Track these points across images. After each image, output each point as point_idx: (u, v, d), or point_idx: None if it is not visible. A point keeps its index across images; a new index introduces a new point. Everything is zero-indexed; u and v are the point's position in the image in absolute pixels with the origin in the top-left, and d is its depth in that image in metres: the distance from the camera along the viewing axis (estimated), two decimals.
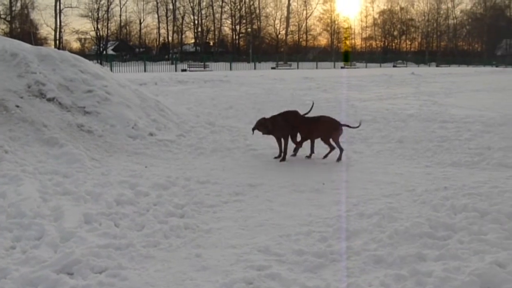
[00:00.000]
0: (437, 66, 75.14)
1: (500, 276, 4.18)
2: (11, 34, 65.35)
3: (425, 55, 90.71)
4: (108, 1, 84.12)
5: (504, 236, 5.15)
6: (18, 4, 75.79)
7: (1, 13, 73.01)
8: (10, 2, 72.78)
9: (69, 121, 9.99)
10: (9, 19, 73.84)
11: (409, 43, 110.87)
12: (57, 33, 75.00)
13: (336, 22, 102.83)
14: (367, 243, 5.14)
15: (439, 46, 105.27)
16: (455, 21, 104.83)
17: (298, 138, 9.78)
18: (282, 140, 9.52)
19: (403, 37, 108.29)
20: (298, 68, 58.66)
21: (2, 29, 72.92)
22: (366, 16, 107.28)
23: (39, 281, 4.27)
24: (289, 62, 65.93)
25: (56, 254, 4.82)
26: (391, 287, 4.21)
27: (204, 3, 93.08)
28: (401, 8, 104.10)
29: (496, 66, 74.57)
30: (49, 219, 5.75)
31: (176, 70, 47.59)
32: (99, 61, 50.82)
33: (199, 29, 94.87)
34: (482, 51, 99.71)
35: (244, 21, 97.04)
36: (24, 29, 75.05)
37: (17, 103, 9.86)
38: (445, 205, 6.20)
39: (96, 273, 4.48)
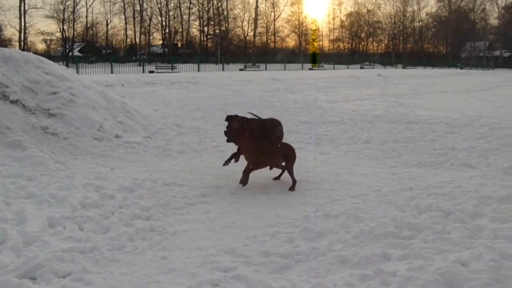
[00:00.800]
0: (403, 68, 76.17)
1: (463, 274, 4.25)
2: None
3: (391, 57, 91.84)
4: (74, 2, 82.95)
5: (467, 235, 5.23)
6: None
7: None
8: None
9: (33, 123, 9.84)
10: None
11: (376, 45, 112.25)
12: (22, 34, 73.75)
13: (304, 24, 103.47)
14: (333, 243, 5.17)
15: (405, 48, 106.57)
16: (420, 23, 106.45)
17: None
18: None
19: (370, 39, 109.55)
20: (266, 69, 58.74)
21: None
22: (333, 18, 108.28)
23: (1, 286, 4.19)
24: (257, 64, 65.95)
25: (19, 259, 4.74)
26: (356, 287, 4.24)
27: (172, 5, 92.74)
28: (368, 11, 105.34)
29: (461, 68, 75.98)
30: (12, 223, 5.65)
31: (143, 72, 47.18)
32: (65, 62, 50.34)
33: (167, 31, 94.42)
34: (447, 53, 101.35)
35: (212, 22, 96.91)
36: None
37: None
38: (410, 205, 6.28)
39: (60, 277, 4.42)
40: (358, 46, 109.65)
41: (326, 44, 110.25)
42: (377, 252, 4.85)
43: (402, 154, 9.88)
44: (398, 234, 5.33)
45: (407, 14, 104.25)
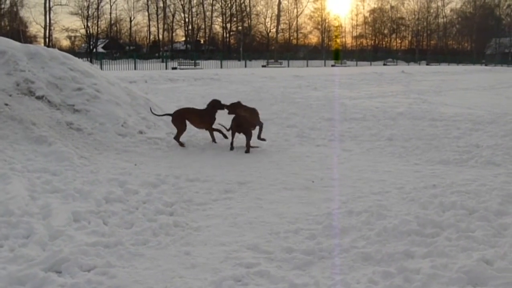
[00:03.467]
0: (427, 64, 75.42)
1: (487, 273, 4.21)
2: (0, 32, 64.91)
3: (415, 54, 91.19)
4: None
5: (492, 233, 5.18)
6: (7, 2, 75.35)
7: None
8: None
9: (58, 119, 9.96)
10: None
11: (400, 41, 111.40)
12: (47, 31, 74.71)
13: (327, 20, 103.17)
14: (356, 240, 5.16)
15: (429, 45, 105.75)
16: (445, 19, 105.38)
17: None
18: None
19: (394, 35, 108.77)
20: (288, 66, 58.59)
21: None
22: (356, 15, 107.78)
23: (27, 279, 4.25)
24: (279, 60, 65.82)
25: (45, 253, 4.80)
26: (379, 284, 4.22)
27: (195, 1, 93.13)
28: (392, 7, 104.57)
29: (485, 65, 74.99)
30: (38, 217, 5.72)
31: (166, 68, 47.45)
32: (89, 59, 50.71)
33: (190, 27, 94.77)
34: (472, 49, 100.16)
35: (234, 19, 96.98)
36: (13, 27, 74.69)
37: (5, 101, 9.82)
38: (434, 203, 6.22)
39: (85, 271, 4.46)
40: (381, 42, 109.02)
41: (349, 40, 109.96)
42: (400, 250, 4.82)
43: (425, 152, 9.80)
44: (421, 231, 5.29)
45: (431, 10, 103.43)
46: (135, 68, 44.49)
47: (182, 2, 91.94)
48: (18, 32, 69.97)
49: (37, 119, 9.59)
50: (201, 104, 16.64)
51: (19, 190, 6.44)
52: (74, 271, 4.44)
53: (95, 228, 5.50)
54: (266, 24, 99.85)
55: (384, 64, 70.73)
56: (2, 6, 74.19)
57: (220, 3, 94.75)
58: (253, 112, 10.40)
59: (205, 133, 11.26)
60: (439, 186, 7.11)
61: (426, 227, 5.41)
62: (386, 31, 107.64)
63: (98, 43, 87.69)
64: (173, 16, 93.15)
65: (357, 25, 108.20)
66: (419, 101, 18.92)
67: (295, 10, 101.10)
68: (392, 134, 11.62)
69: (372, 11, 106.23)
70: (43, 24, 74.76)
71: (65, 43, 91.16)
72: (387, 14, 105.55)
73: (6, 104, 9.71)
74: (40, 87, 10.63)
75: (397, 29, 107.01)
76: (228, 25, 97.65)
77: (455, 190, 6.75)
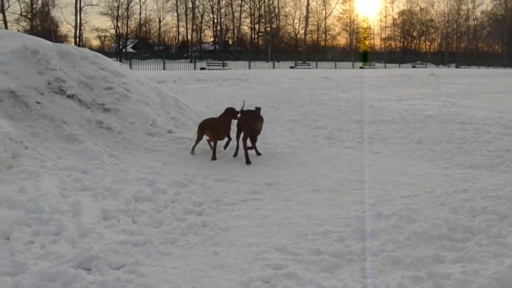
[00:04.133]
0: (456, 67, 74.51)
1: None
2: (31, 31, 65.76)
3: (444, 56, 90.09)
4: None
5: None
6: (39, 2, 76.34)
7: (22, 10, 73.65)
8: (31, 0, 73.36)
9: (88, 117, 10.07)
10: (30, 17, 74.41)
11: (429, 43, 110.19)
12: (77, 31, 75.67)
13: (355, 22, 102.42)
14: (385, 244, 5.12)
15: (459, 47, 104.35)
16: (475, 22, 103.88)
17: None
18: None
19: (423, 37, 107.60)
20: (316, 67, 58.37)
21: (23, 27, 73.56)
22: (385, 16, 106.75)
23: (57, 276, 4.30)
24: (307, 62, 65.59)
25: (74, 250, 4.87)
26: None
27: (224, 2, 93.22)
28: (421, 9, 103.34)
29: None
30: (68, 214, 5.80)
31: (195, 68, 47.63)
32: (118, 58, 51.11)
33: (218, 28, 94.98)
34: (503, 52, 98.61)
35: (263, 20, 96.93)
36: (44, 27, 75.60)
37: (37, 99, 9.97)
38: (464, 207, 6.15)
39: (114, 269, 4.50)
40: (410, 44, 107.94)
41: (377, 42, 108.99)
42: (430, 254, 4.77)
43: (455, 155, 9.68)
44: (451, 236, 5.23)
45: (462, 12, 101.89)
46: (164, 68, 44.75)
47: (211, 3, 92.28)
48: (49, 31, 70.89)
49: (68, 118, 9.71)
50: (229, 104, 16.73)
51: (50, 188, 6.54)
52: (103, 268, 4.48)
53: (125, 227, 5.55)
54: (295, 25, 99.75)
55: (413, 67, 70.01)
56: (34, 6, 75.25)
57: (249, 4, 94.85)
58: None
59: (233, 133, 11.27)
60: (470, 190, 7.02)
61: (457, 232, 5.34)
62: (415, 33, 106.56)
63: (128, 43, 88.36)
64: (202, 16, 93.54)
65: (385, 27, 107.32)
66: (449, 104, 18.69)
67: (324, 12, 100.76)
68: (421, 137, 11.50)
69: (401, 13, 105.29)
70: (73, 24, 75.77)
71: (95, 42, 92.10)
72: (416, 16, 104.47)
73: (38, 103, 9.85)
74: (71, 86, 10.76)
75: (426, 31, 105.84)
76: (257, 26, 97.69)
77: (486, 195, 6.66)
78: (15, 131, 8.42)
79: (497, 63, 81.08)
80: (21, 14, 73.35)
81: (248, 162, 8.96)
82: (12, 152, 7.66)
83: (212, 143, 9.68)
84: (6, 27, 63.16)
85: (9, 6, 68.91)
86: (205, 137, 9.79)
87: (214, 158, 9.26)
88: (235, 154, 9.60)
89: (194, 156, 9.38)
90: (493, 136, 11.62)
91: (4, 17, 66.52)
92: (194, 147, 9.68)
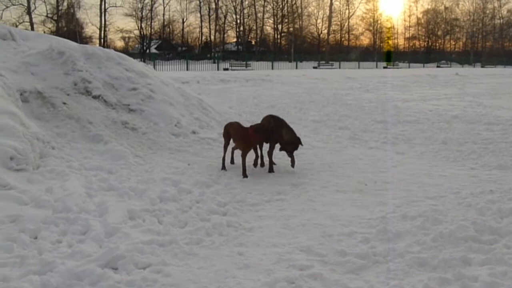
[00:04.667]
0: (482, 66, 73.74)
1: None
2: (57, 33, 66.47)
3: (469, 56, 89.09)
4: (152, 1, 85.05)
5: None
6: (65, 4, 77.25)
7: (48, 12, 74.54)
8: (57, 2, 74.14)
9: (113, 118, 10.15)
10: (55, 18, 75.26)
11: (453, 43, 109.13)
12: (102, 32, 76.35)
13: (379, 22, 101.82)
14: (411, 245, 5.08)
15: (485, 46, 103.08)
16: (501, 21, 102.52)
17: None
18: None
19: (447, 37, 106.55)
20: (340, 67, 58.25)
21: (49, 28, 74.48)
22: (409, 16, 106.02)
23: (84, 275, 4.35)
24: (330, 62, 65.46)
25: (101, 249, 4.92)
26: None
27: (247, 2, 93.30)
28: (446, 8, 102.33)
29: None
30: (94, 214, 5.86)
31: (218, 69, 47.81)
32: (142, 59, 51.44)
33: (241, 28, 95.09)
34: None
35: (286, 20, 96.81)
36: (70, 28, 76.43)
37: (63, 100, 10.08)
38: (491, 209, 6.08)
39: (140, 268, 4.54)
40: (435, 44, 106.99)
41: (401, 42, 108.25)
42: (457, 256, 4.72)
43: (481, 156, 9.57)
44: (479, 238, 5.17)
45: (487, 11, 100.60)
46: (187, 69, 45.01)
47: (234, 4, 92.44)
48: (75, 33, 71.66)
49: (94, 118, 9.81)
50: (253, 105, 16.78)
51: (76, 188, 6.62)
52: (130, 268, 4.52)
53: (150, 227, 5.59)
54: (318, 25, 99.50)
55: (438, 66, 69.40)
56: (60, 7, 76.11)
57: (272, 5, 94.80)
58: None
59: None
60: (497, 191, 6.93)
61: (484, 234, 5.28)
62: (439, 33, 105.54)
63: (151, 44, 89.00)
64: (225, 17, 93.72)
65: (409, 26, 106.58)
66: (474, 104, 18.48)
67: (347, 11, 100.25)
68: (447, 137, 11.39)
69: (426, 12, 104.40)
70: (98, 25, 76.56)
71: (119, 44, 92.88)
72: (441, 15, 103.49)
73: (64, 103, 9.97)
74: (97, 87, 10.86)
75: (451, 31, 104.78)
76: (279, 26, 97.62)
77: None
78: (42, 131, 8.52)
79: None
80: (47, 16, 74.35)
81: (271, 170, 8.42)
82: (39, 152, 7.75)
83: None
84: (32, 28, 64.00)
85: (35, 8, 69.89)
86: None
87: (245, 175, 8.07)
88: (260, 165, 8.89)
89: (218, 156, 9.39)
90: None
91: (31, 19, 67.46)
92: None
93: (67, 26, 77.74)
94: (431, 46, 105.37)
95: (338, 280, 4.35)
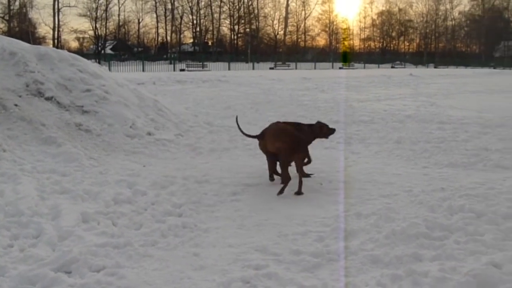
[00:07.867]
0: (435, 67, 75.19)
1: (496, 276, 4.19)
2: (9, 33, 65.09)
3: (423, 56, 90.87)
4: (106, 1, 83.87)
5: (500, 237, 5.17)
6: (17, 3, 75.60)
7: (0, 12, 72.92)
8: (9, 1, 72.53)
9: (67, 120, 10.00)
10: (7, 18, 73.64)
11: (408, 44, 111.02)
12: (56, 32, 74.88)
13: (335, 23, 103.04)
14: (364, 243, 5.16)
15: (437, 47, 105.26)
16: (453, 22, 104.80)
17: None
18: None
19: (402, 38, 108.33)
20: (296, 68, 58.49)
21: (1, 28, 72.82)
22: (364, 17, 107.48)
23: (37, 279, 4.28)
24: (287, 63, 65.72)
25: (54, 253, 4.84)
26: (388, 286, 4.22)
27: (203, 3, 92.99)
28: (400, 9, 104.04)
29: (494, 68, 74.56)
30: (47, 217, 5.76)
31: (174, 70, 47.52)
32: (97, 60, 50.85)
33: (198, 29, 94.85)
34: (480, 52, 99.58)
35: (242, 21, 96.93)
36: (22, 28, 74.91)
37: (15, 102, 9.87)
38: (442, 206, 6.21)
39: (94, 271, 4.49)
40: (389, 45, 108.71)
41: (356, 43, 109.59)
42: (408, 252, 4.82)
43: (433, 155, 9.77)
44: (429, 234, 5.28)
45: (440, 13, 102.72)
46: (143, 70, 44.60)
47: (190, 4, 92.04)
48: (27, 33, 70.21)
49: (46, 120, 9.64)
50: (209, 106, 16.74)
51: (29, 191, 6.51)
52: (83, 271, 4.47)
53: (104, 229, 5.53)
54: (274, 26, 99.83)
55: (392, 67, 70.49)
56: (12, 7, 74.48)
57: (228, 5, 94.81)
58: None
59: (212, 135, 11.30)
60: (448, 189, 7.08)
61: (435, 230, 5.40)
62: (394, 34, 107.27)
63: (107, 44, 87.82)
64: (181, 18, 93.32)
65: (365, 27, 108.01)
66: (427, 104, 18.85)
67: (303, 13, 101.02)
68: (400, 137, 11.59)
69: (380, 13, 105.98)
70: (52, 26, 75.02)
71: (74, 44, 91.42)
72: (395, 17, 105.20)
73: (16, 105, 9.77)
74: (50, 88, 10.68)
75: (405, 32, 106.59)
76: (236, 27, 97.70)
77: (464, 194, 6.71)
78: None
79: (475, 63, 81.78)
80: None
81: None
82: None
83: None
84: None
85: None
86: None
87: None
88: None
89: (173, 157, 9.36)
90: (471, 135, 11.75)
91: None
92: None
93: (19, 26, 76.20)
94: (386, 47, 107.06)
95: (292, 279, 4.38)
